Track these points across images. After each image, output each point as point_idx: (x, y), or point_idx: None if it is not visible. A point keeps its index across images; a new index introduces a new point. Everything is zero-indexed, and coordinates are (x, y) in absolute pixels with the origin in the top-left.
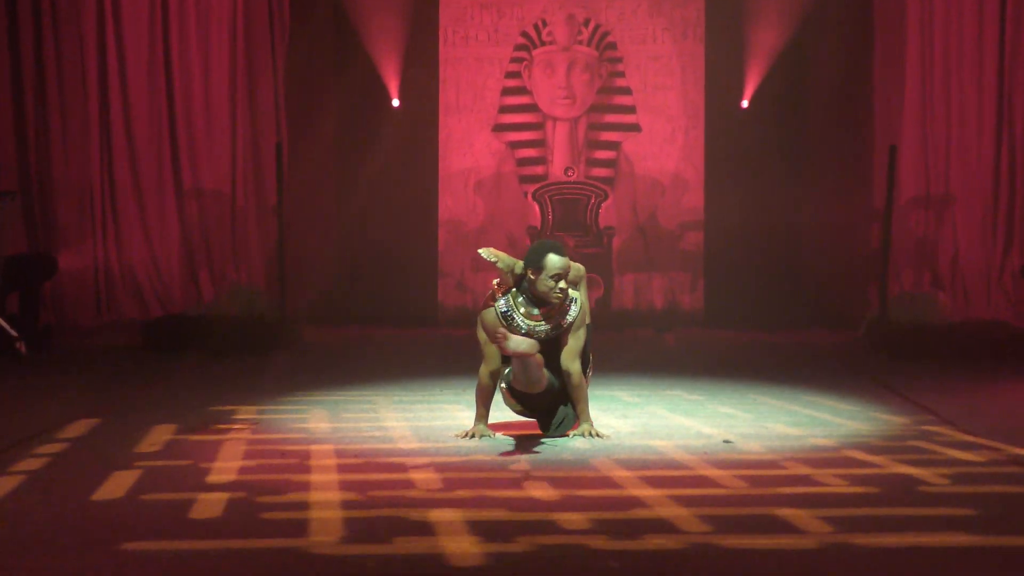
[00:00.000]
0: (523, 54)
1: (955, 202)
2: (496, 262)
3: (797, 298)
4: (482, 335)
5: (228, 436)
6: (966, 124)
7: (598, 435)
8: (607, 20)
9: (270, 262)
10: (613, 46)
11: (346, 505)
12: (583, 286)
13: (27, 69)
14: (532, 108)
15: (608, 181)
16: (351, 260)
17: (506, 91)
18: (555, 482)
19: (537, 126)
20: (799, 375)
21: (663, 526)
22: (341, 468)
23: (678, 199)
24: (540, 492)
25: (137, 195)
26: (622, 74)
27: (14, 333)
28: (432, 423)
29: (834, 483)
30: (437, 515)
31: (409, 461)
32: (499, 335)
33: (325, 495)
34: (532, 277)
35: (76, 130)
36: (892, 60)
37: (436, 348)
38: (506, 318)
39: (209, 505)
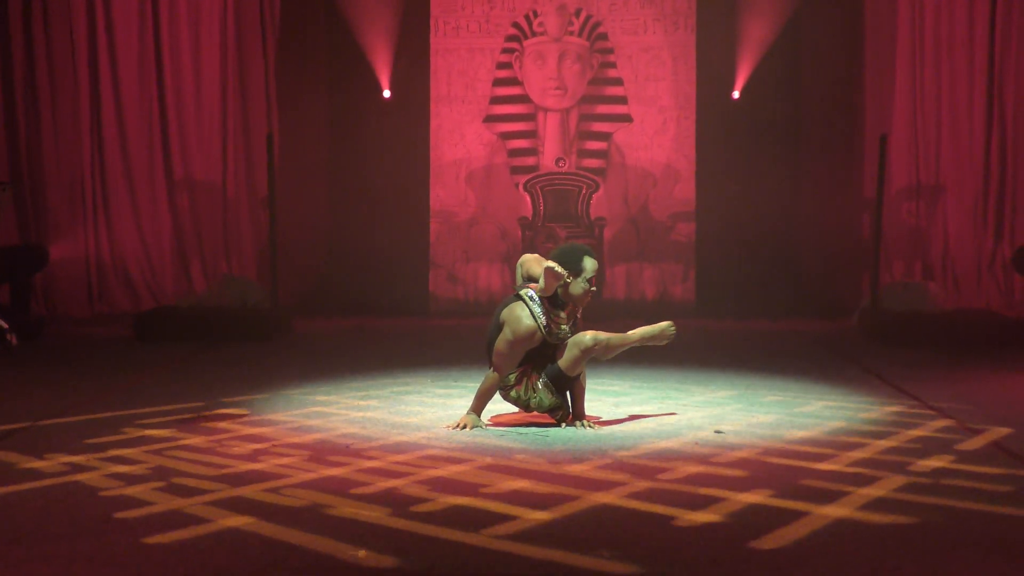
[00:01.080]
0: (514, 45)
1: (946, 191)
2: (568, 277)
3: (789, 288)
4: (507, 346)
5: (219, 427)
6: (957, 113)
7: (591, 426)
8: (598, 11)
9: (261, 253)
10: (604, 36)
11: (331, 496)
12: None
13: (17, 60)
14: (523, 99)
15: (599, 172)
16: (342, 251)
17: (497, 82)
18: (546, 472)
19: (528, 117)
20: (791, 364)
21: (653, 515)
22: (331, 459)
23: (669, 190)
24: (530, 482)
25: (128, 186)
26: (613, 65)
27: (5, 324)
28: (424, 414)
29: (828, 474)
30: (423, 505)
31: (400, 451)
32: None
33: (311, 487)
34: (568, 280)
35: (67, 121)
36: (883, 50)
37: (427, 339)
38: (549, 332)
39: (194, 494)
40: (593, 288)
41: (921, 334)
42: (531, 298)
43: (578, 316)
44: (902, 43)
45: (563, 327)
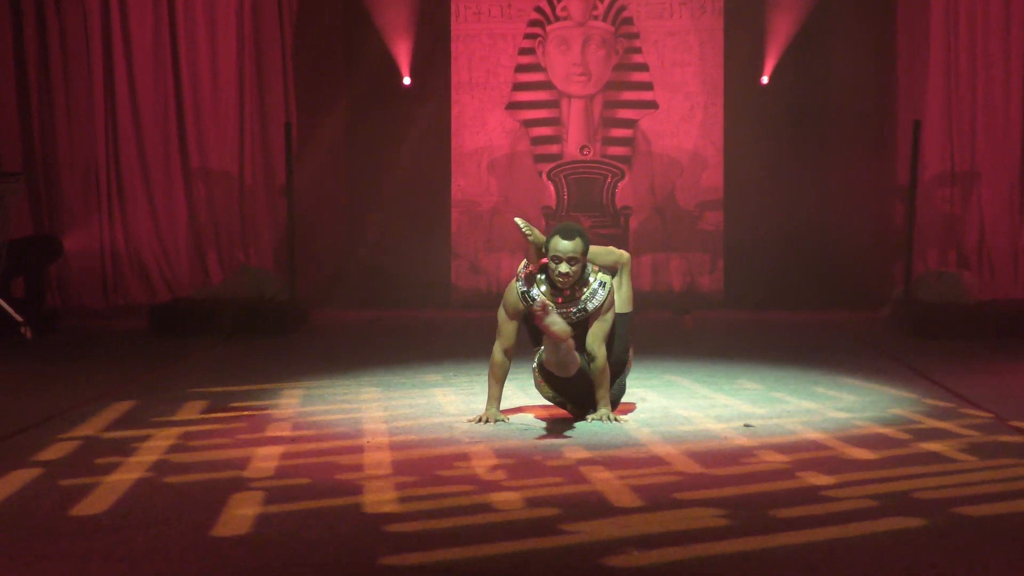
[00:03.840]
0: (537, 30)
1: (981, 178)
2: (528, 235)
3: (819, 278)
4: (502, 312)
5: (235, 420)
6: (992, 97)
7: (615, 420)
8: None
9: (279, 244)
10: (629, 21)
11: (351, 491)
12: (624, 273)
13: (30, 48)
14: (547, 85)
15: (625, 160)
16: (362, 241)
17: (520, 68)
18: (571, 467)
19: (552, 104)
20: (821, 356)
21: (683, 511)
22: (350, 453)
23: (697, 178)
24: (557, 477)
25: (144, 176)
26: (639, 50)
27: (19, 317)
28: (444, 407)
29: (856, 467)
30: (439, 503)
31: (423, 446)
32: (538, 308)
33: (335, 480)
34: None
35: (81, 110)
36: (915, 32)
37: (449, 330)
38: (526, 298)
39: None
40: (561, 269)
41: (956, 325)
42: (519, 272)
43: (588, 307)
44: (936, 25)
45: (555, 306)
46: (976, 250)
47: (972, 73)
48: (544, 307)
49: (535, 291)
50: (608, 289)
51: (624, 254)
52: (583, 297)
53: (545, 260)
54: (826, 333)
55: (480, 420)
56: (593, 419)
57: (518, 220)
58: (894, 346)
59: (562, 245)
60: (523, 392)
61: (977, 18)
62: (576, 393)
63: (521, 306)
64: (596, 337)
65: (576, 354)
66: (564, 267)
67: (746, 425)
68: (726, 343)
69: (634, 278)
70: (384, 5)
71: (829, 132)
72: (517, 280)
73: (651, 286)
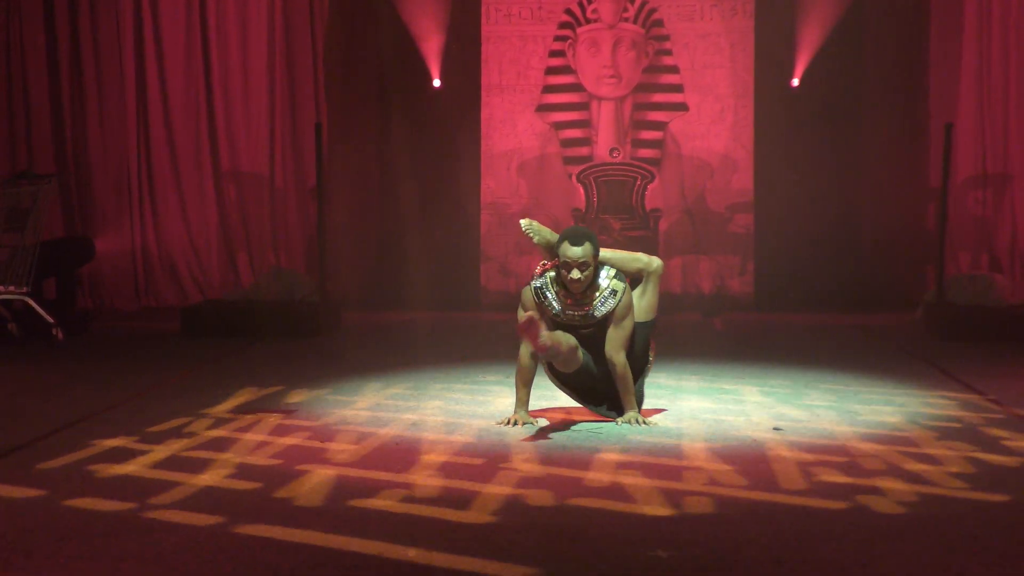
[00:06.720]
0: (567, 32)
1: (1013, 181)
2: (533, 237)
3: (850, 280)
4: (521, 313)
5: (267, 424)
6: None
7: (644, 423)
8: None
9: (310, 245)
10: (660, 23)
11: (381, 494)
12: (652, 281)
13: (63, 50)
14: (577, 87)
15: (655, 162)
16: (392, 243)
17: (550, 70)
18: (598, 470)
19: (582, 106)
20: (852, 359)
21: (711, 515)
22: (380, 456)
23: (727, 180)
24: (584, 481)
25: (175, 178)
26: (669, 52)
27: (51, 319)
28: (475, 410)
29: (889, 472)
30: (468, 506)
31: (449, 449)
32: (526, 326)
33: (360, 484)
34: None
35: (113, 112)
36: (948, 34)
37: (478, 332)
38: (539, 294)
39: (243, 491)
40: (572, 276)
41: (988, 328)
42: (535, 272)
43: (596, 314)
44: (968, 26)
45: (563, 302)
46: (1008, 253)
47: (1005, 76)
48: (531, 321)
49: (548, 292)
50: (619, 298)
51: (653, 262)
52: (594, 302)
53: (549, 260)
54: (857, 336)
55: (509, 423)
56: (622, 422)
57: (522, 221)
58: (926, 349)
59: (572, 252)
60: (552, 393)
61: (1010, 21)
62: (577, 384)
63: (532, 313)
64: (612, 344)
65: (579, 354)
66: (576, 273)
67: (775, 428)
68: (756, 346)
69: (664, 280)
70: (414, 7)
71: (860, 135)
72: (533, 280)
73: (681, 288)
